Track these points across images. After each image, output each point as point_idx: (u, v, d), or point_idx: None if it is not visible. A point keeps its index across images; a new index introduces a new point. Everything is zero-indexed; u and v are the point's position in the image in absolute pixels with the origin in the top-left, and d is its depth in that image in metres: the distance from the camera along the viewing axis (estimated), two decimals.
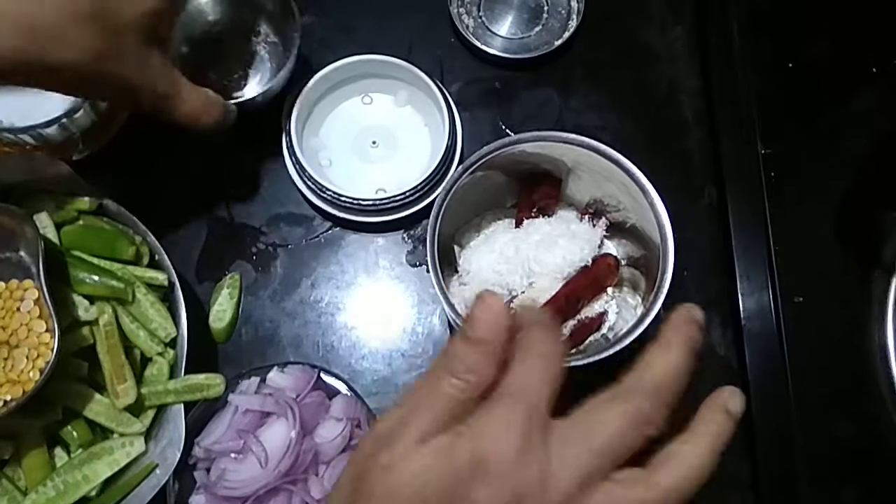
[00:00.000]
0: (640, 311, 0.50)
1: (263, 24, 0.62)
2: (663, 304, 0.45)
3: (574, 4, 0.66)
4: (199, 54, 0.62)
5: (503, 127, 0.63)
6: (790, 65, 0.62)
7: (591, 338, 0.52)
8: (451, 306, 0.45)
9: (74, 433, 0.48)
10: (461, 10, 0.65)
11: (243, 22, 0.62)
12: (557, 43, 0.64)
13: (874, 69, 0.62)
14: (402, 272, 0.60)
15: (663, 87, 0.64)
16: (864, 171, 0.59)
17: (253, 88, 0.61)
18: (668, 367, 0.31)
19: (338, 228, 0.61)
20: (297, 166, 0.57)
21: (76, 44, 0.41)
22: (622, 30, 0.66)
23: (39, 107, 0.56)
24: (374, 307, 0.59)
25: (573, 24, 0.65)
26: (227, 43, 0.62)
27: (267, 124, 0.59)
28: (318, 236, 0.61)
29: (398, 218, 0.58)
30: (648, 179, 0.47)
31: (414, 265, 0.60)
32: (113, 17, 0.42)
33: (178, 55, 0.60)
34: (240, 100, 0.56)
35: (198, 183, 0.61)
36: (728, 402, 0.31)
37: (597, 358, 0.43)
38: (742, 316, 0.56)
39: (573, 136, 0.48)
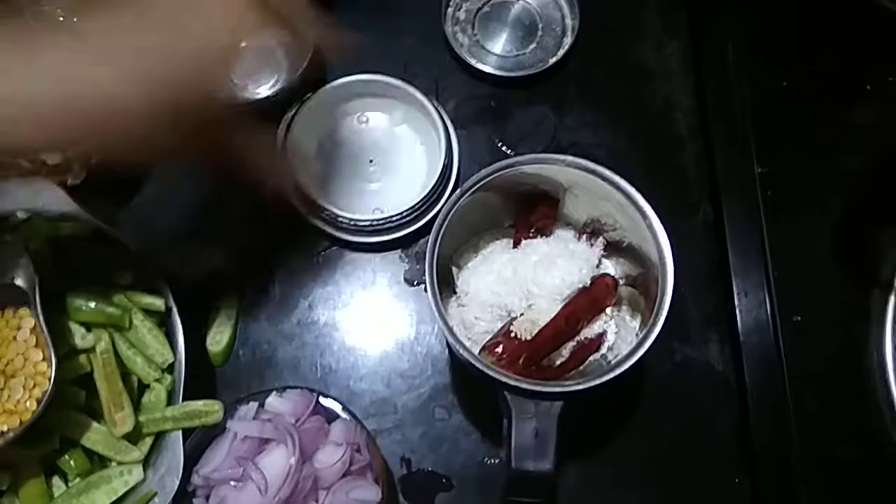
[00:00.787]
0: (638, 330, 0.50)
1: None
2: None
3: (568, 22, 0.66)
4: None
5: (499, 144, 0.63)
6: (785, 83, 0.62)
7: (591, 358, 0.51)
8: (450, 329, 0.45)
9: (72, 462, 0.48)
10: (456, 28, 0.66)
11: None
12: (552, 60, 0.64)
13: (869, 87, 0.62)
14: (399, 291, 0.60)
15: (658, 104, 0.65)
16: (860, 189, 0.59)
17: (268, 88, 0.62)
18: None
19: (335, 248, 0.61)
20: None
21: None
22: (617, 47, 0.67)
23: None
24: (372, 327, 0.59)
25: (568, 41, 0.65)
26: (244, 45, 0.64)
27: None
28: (315, 256, 0.60)
29: (396, 238, 0.58)
30: (644, 196, 0.47)
31: (412, 284, 0.60)
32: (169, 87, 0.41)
33: None
34: (256, 97, 0.59)
35: (194, 206, 0.61)
36: None
37: (597, 382, 0.43)
38: (740, 333, 0.56)
39: (571, 157, 0.48)
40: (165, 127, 0.41)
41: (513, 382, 0.42)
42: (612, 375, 0.43)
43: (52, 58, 0.37)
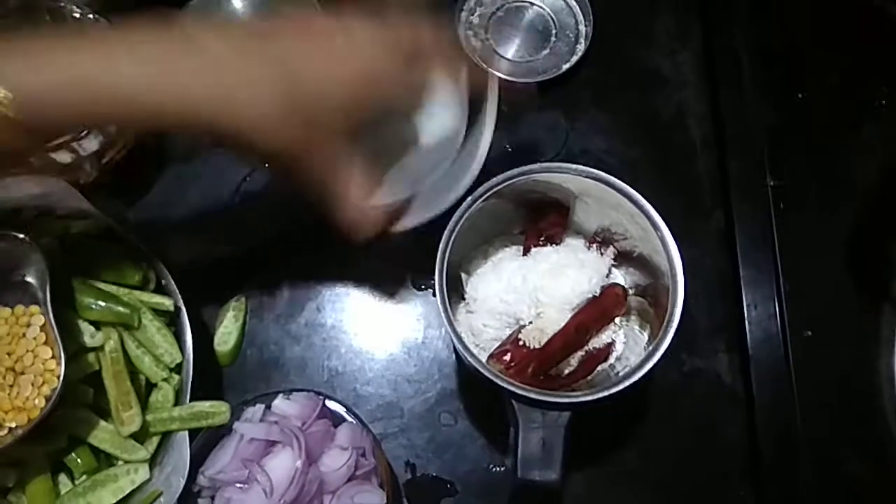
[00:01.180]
0: (647, 340, 0.50)
1: None
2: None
3: (582, 28, 0.65)
4: None
5: (509, 150, 0.63)
6: (799, 95, 0.62)
7: (599, 368, 0.51)
8: (458, 336, 0.45)
9: (79, 460, 0.48)
10: (469, 32, 0.65)
11: None
12: (565, 66, 0.64)
13: (883, 101, 0.62)
14: (407, 295, 0.60)
15: (671, 112, 0.64)
16: (873, 203, 0.59)
17: None
18: None
19: (344, 248, 0.61)
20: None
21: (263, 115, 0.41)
22: (630, 54, 0.66)
23: None
24: (380, 331, 0.59)
25: (581, 47, 0.65)
26: None
27: None
28: (324, 259, 0.60)
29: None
30: (655, 204, 0.47)
31: (420, 288, 0.60)
32: (309, 108, 0.42)
33: None
34: None
35: (203, 206, 0.61)
36: None
37: (606, 394, 0.43)
38: (749, 345, 0.56)
39: (582, 167, 0.48)
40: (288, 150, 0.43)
41: (521, 392, 0.42)
42: (621, 387, 0.43)
43: (209, 60, 0.41)
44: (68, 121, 0.43)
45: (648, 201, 0.47)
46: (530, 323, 0.50)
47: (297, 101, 0.42)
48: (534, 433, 0.43)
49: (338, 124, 0.44)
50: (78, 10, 0.56)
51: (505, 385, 0.43)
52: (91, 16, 0.56)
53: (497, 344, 0.50)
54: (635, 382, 0.43)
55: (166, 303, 0.52)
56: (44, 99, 0.39)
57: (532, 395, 0.42)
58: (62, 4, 0.56)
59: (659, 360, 0.44)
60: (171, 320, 0.53)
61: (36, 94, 0.38)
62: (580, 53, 0.64)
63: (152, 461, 0.49)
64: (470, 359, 0.44)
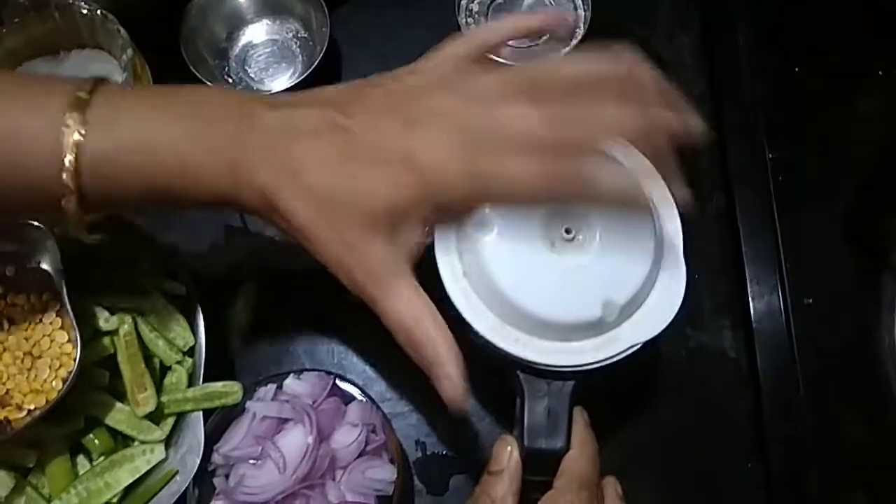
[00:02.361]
0: None
1: (295, 20, 0.67)
2: None
3: (581, 13, 0.66)
4: (237, 50, 0.67)
5: None
6: (796, 69, 0.63)
7: None
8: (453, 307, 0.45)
9: (96, 441, 0.49)
10: (469, 19, 0.66)
11: (277, 19, 0.67)
12: (565, 51, 0.65)
13: (880, 72, 0.63)
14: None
15: None
16: (871, 175, 0.60)
17: (284, 81, 0.65)
18: None
19: None
20: None
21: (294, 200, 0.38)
22: (629, 38, 0.66)
23: None
24: None
25: (580, 32, 0.65)
26: (262, 39, 0.67)
27: None
28: None
29: None
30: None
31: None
32: (346, 196, 0.38)
33: (217, 50, 0.66)
34: (272, 91, 0.62)
35: None
36: None
37: (611, 358, 0.43)
38: (753, 319, 0.56)
39: None
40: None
41: (527, 361, 0.43)
42: (624, 351, 0.43)
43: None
44: (127, 191, 0.38)
45: None
46: None
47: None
48: (539, 402, 0.44)
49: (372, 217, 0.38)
50: (86, 7, 0.57)
51: (512, 354, 0.43)
52: (99, 12, 0.57)
53: None
54: (643, 345, 0.43)
55: (178, 288, 0.53)
56: (108, 158, 0.37)
57: (538, 364, 0.43)
58: (70, 1, 0.57)
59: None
60: (183, 305, 0.54)
61: (100, 152, 0.36)
62: (579, 38, 0.65)
63: (168, 441, 0.50)
64: (482, 331, 0.44)
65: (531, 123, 0.37)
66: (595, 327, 0.42)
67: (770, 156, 0.60)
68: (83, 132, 0.36)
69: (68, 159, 0.36)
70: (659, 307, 0.43)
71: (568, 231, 0.43)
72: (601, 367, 0.43)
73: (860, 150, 0.61)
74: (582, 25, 0.66)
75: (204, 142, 0.38)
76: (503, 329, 0.43)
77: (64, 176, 0.36)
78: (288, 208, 0.38)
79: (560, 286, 0.42)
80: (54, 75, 0.58)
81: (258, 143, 0.38)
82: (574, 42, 0.65)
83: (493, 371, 0.57)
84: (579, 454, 0.43)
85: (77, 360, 0.47)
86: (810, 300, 0.56)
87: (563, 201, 0.41)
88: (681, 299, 0.43)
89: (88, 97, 0.37)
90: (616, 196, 0.38)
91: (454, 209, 0.40)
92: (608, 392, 0.56)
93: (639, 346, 0.43)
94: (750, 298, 0.57)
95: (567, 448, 0.43)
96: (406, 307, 0.40)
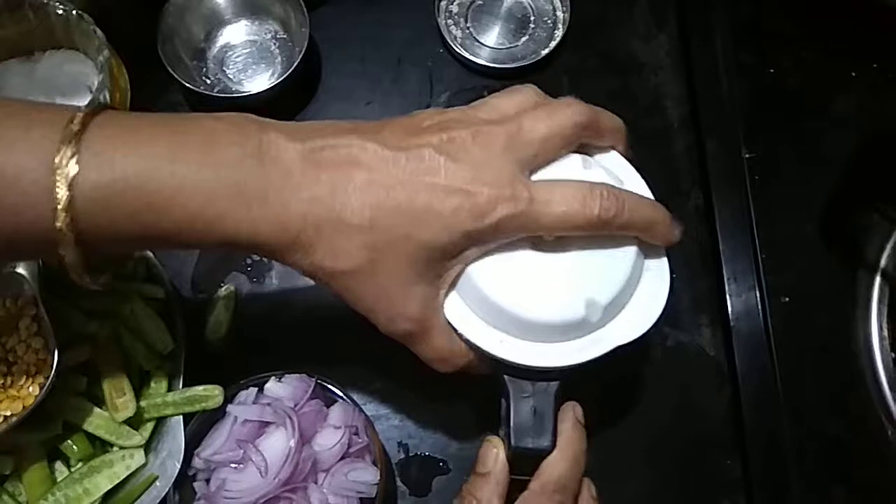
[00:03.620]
0: None
1: (274, 21, 0.66)
2: None
3: (560, 14, 0.67)
4: (215, 50, 0.66)
5: None
6: (771, 70, 0.63)
7: None
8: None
9: (74, 447, 0.48)
10: (449, 21, 0.67)
11: (256, 20, 0.67)
12: (544, 52, 0.65)
13: (853, 73, 0.64)
14: None
15: (649, 95, 0.66)
16: (845, 173, 0.61)
17: (263, 83, 0.64)
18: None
19: None
20: None
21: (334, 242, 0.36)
22: (607, 39, 0.68)
23: None
24: None
25: (559, 33, 0.66)
26: (241, 40, 0.67)
27: None
28: None
29: None
30: None
31: None
32: (393, 232, 0.37)
33: (195, 51, 0.66)
34: (251, 93, 0.61)
35: None
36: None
37: (594, 356, 0.43)
38: (731, 317, 0.57)
39: None
40: None
41: (511, 362, 0.43)
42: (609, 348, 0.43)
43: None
44: (118, 230, 0.35)
45: None
46: None
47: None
48: (525, 403, 0.44)
49: (415, 258, 0.37)
50: (62, 7, 0.57)
51: (496, 356, 0.43)
52: (75, 13, 0.57)
53: None
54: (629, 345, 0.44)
55: (157, 292, 0.53)
56: (99, 197, 0.33)
57: (522, 365, 0.43)
58: (45, 1, 0.56)
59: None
60: (162, 309, 0.53)
61: (91, 192, 0.33)
62: (558, 39, 0.65)
63: (148, 446, 0.50)
64: (467, 335, 0.44)
65: None
66: (579, 327, 0.42)
67: (747, 155, 0.61)
68: (76, 168, 0.33)
69: (61, 196, 0.33)
70: (643, 308, 0.44)
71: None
72: (586, 366, 0.43)
73: (835, 150, 0.62)
74: (561, 27, 0.66)
75: (216, 176, 0.35)
76: (488, 331, 0.43)
77: (58, 218, 0.33)
78: (324, 248, 0.36)
79: (543, 286, 0.42)
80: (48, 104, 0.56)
81: (282, 176, 0.35)
82: (553, 44, 0.65)
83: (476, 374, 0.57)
84: (560, 456, 0.43)
85: (54, 365, 0.46)
86: (787, 298, 0.57)
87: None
88: (665, 299, 0.44)
89: (82, 128, 0.34)
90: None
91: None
92: (588, 392, 0.57)
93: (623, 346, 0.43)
94: (728, 296, 0.57)
95: (554, 447, 0.44)
96: (445, 343, 0.42)
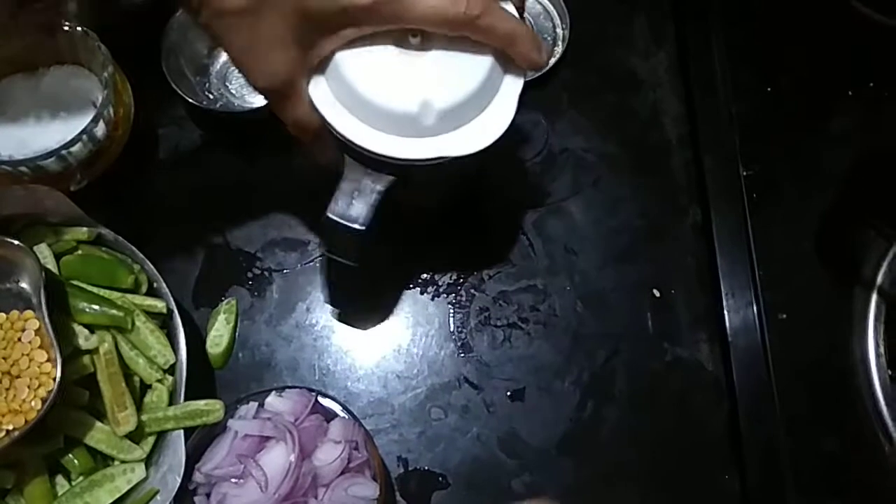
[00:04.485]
0: None
1: None
2: None
3: (560, 32, 0.67)
4: (218, 66, 0.67)
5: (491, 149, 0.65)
6: (769, 89, 0.64)
7: None
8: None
9: (76, 461, 0.49)
10: None
11: None
12: (544, 69, 0.66)
13: (850, 92, 0.64)
14: (395, 294, 0.61)
15: (647, 111, 0.66)
16: (842, 191, 0.61)
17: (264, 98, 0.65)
18: None
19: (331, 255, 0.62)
20: None
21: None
22: (607, 56, 0.68)
23: (37, 138, 0.57)
24: (369, 330, 0.60)
25: (559, 50, 0.66)
26: None
27: (263, 145, 0.62)
28: (312, 261, 0.62)
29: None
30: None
31: (408, 287, 0.61)
32: None
33: (198, 67, 0.66)
34: (253, 107, 0.62)
35: (193, 211, 0.62)
36: None
37: (436, 154, 0.45)
38: (728, 333, 0.57)
39: None
40: None
41: (348, 139, 0.44)
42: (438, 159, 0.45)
43: None
44: None
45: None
46: None
47: None
48: (352, 184, 0.45)
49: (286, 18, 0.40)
50: (66, 23, 0.57)
51: (338, 132, 0.45)
52: (79, 29, 0.57)
53: None
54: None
55: (158, 305, 0.53)
56: None
57: (355, 144, 0.44)
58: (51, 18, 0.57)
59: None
60: (163, 323, 0.54)
61: None
62: (558, 56, 0.66)
63: (148, 460, 0.50)
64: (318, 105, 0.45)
65: None
66: (412, 125, 0.44)
67: (745, 173, 0.61)
68: None
69: None
70: (483, 129, 0.46)
71: (414, 35, 0.44)
72: (417, 169, 0.45)
73: (832, 167, 0.62)
74: (560, 44, 0.67)
75: None
76: (340, 111, 0.45)
77: None
78: None
79: (391, 78, 0.44)
80: None
81: None
82: (553, 61, 0.66)
83: (472, 386, 0.57)
84: None
85: (57, 379, 0.46)
86: (784, 314, 0.58)
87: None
88: (506, 126, 0.46)
89: None
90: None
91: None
92: (587, 405, 0.57)
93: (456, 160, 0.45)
94: (725, 312, 0.58)
95: (364, 229, 0.45)
96: (306, 112, 0.45)
